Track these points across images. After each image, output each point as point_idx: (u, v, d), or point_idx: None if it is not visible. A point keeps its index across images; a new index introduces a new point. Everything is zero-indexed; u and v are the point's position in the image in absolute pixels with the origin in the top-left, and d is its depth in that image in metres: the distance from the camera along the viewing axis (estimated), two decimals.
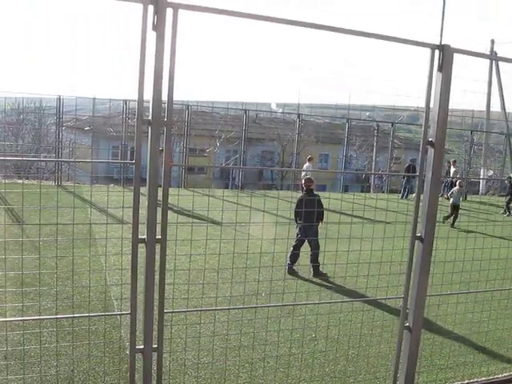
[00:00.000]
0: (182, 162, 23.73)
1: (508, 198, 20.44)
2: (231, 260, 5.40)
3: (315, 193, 10.21)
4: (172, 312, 5.81)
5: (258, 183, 35.78)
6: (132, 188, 3.77)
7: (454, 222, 16.64)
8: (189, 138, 23.04)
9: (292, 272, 9.31)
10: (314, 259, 9.44)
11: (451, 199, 17.39)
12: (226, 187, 28.78)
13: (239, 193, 20.25)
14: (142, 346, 4.13)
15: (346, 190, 27.34)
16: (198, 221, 11.57)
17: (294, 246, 9.52)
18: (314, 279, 9.11)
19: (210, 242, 8.60)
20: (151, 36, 3.68)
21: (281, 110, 45.50)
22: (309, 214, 9.50)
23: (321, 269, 9.29)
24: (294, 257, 9.48)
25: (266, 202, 13.50)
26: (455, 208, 16.98)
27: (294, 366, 5.81)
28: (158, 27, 3.67)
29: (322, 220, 9.54)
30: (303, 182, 10.60)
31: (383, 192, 26.84)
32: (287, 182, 32.75)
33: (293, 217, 9.80)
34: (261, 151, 40.96)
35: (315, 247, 9.43)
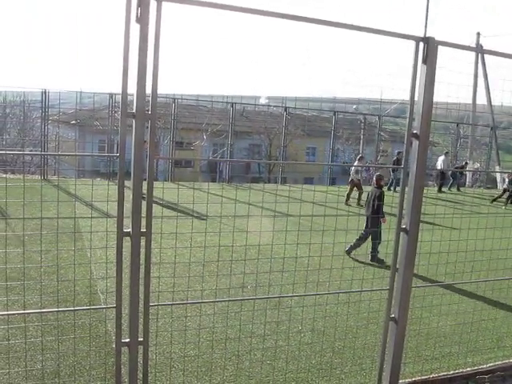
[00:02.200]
0: (169, 155, 23.66)
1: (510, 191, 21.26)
2: (218, 253, 5.41)
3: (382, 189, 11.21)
4: (157, 305, 5.80)
5: (245, 176, 35.73)
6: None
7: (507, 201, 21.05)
8: (175, 132, 22.95)
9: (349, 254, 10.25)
10: (374, 247, 10.28)
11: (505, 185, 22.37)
12: (214, 180, 28.75)
13: (226, 186, 20.21)
14: (127, 340, 4.14)
15: (333, 182, 27.42)
16: (184, 215, 11.58)
17: (361, 237, 10.54)
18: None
19: (197, 236, 8.61)
20: (135, 29, 3.66)
21: (268, 102, 45.35)
22: (372, 207, 10.67)
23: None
24: (357, 245, 10.48)
25: (254, 195, 13.51)
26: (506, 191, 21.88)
27: (280, 358, 5.83)
28: (142, 20, 3.65)
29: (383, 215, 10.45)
30: (374, 178, 11.48)
31: (370, 185, 26.90)
32: (275, 175, 32.69)
33: (281, 209, 10.16)
34: (248, 144, 40.93)
35: (375, 237, 10.32)
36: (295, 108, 35.48)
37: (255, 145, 41.88)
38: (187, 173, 30.36)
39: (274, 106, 39.81)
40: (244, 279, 6.38)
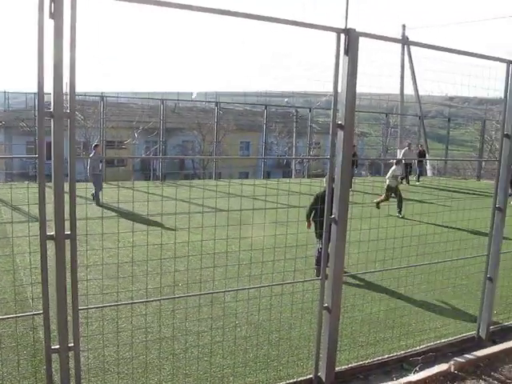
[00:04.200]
0: (101, 154, 23.22)
1: None
2: (151, 252, 5.32)
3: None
4: (87, 309, 5.66)
5: (179, 173, 35.46)
6: (48, 184, 3.63)
7: None
8: (105, 131, 22.51)
9: None
10: None
11: None
12: (147, 179, 28.42)
13: (159, 184, 19.96)
14: (57, 346, 4.02)
15: (268, 176, 27.60)
16: (115, 214, 11.36)
17: None
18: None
19: (129, 236, 8.46)
20: (50, 24, 3.54)
21: (197, 97, 45.13)
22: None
23: None
24: None
25: (186, 191, 13.38)
26: None
27: (217, 354, 5.79)
28: (56, 15, 3.53)
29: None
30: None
31: (304, 177, 27.24)
32: (209, 171, 32.61)
33: (212, 205, 9.86)
34: (181, 141, 40.68)
35: None
36: (227, 103, 35.48)
37: (188, 141, 41.62)
38: (120, 172, 29.87)
39: (205, 102, 39.72)
40: (175, 277, 6.30)
